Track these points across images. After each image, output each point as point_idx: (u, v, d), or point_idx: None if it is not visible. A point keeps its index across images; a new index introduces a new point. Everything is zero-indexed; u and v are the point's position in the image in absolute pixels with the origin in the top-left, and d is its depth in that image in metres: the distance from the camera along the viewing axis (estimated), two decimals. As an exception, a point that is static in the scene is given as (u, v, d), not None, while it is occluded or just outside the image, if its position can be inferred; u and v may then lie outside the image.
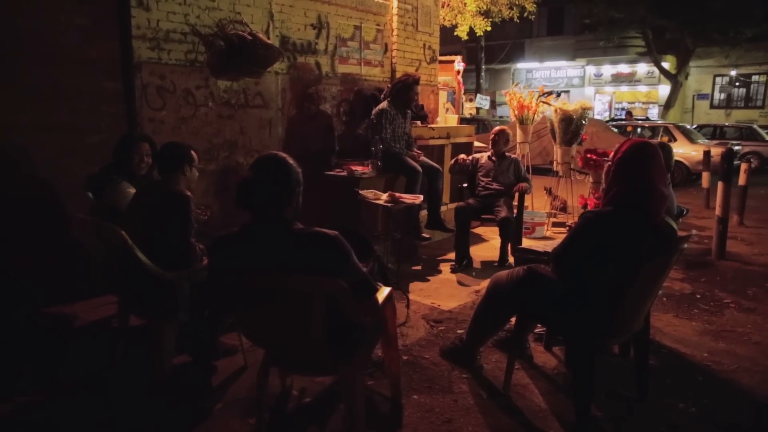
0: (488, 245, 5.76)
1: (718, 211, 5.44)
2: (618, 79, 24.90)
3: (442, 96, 7.42)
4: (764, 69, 21.50)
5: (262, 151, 2.43)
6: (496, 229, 5.06)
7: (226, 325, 3.04)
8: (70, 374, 2.92)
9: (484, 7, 11.98)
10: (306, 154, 4.84)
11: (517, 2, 12.23)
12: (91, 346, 3.26)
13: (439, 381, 2.90)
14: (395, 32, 6.29)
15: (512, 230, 4.87)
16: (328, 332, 2.05)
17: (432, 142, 5.89)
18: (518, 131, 6.81)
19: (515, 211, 5.13)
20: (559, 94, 7.09)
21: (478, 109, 15.01)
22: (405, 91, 5.02)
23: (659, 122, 14.49)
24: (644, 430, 2.53)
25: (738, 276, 4.85)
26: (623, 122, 15.11)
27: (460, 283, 4.58)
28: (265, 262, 1.97)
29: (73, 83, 3.88)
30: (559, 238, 2.64)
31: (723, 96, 23.06)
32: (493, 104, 22.58)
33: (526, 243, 5.18)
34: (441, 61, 7.30)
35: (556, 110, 6.41)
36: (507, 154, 5.32)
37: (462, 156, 5.40)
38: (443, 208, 5.41)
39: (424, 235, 5.02)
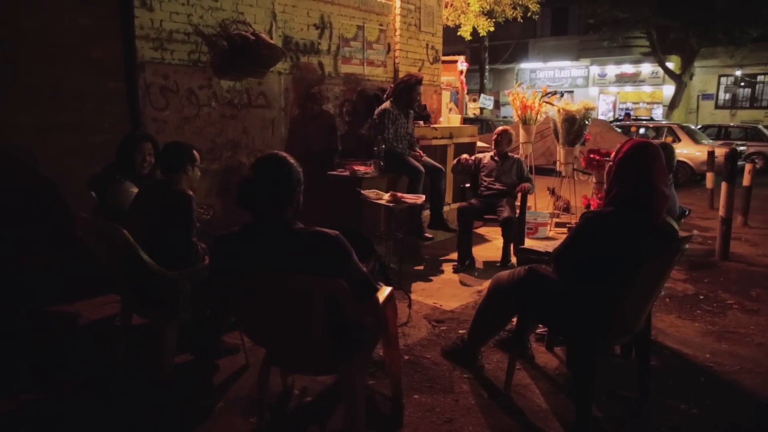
0: (491, 245, 5.76)
1: (721, 212, 5.42)
2: (622, 79, 24.85)
3: (445, 96, 7.42)
4: (770, 69, 21.44)
5: (265, 151, 2.43)
6: (498, 230, 5.06)
7: (227, 324, 3.05)
8: (72, 373, 2.93)
9: (488, 7, 11.98)
10: (309, 154, 4.85)
11: (520, 2, 12.22)
12: (94, 344, 3.27)
13: (441, 381, 2.90)
14: (398, 32, 6.29)
15: (515, 230, 4.87)
16: (328, 332, 2.05)
17: (435, 142, 5.89)
18: (521, 131, 6.80)
19: (518, 211, 5.12)
20: (562, 95, 7.06)
21: (481, 109, 15.01)
22: (407, 92, 5.02)
23: (663, 122, 14.46)
24: (645, 431, 2.53)
25: (741, 277, 4.83)
26: (627, 123, 15.07)
27: (462, 283, 4.57)
28: (265, 261, 1.98)
29: (76, 83, 3.89)
30: (562, 239, 2.64)
31: (728, 96, 22.98)
32: (497, 104, 22.58)
33: (528, 243, 5.17)
34: (444, 61, 7.30)
35: (559, 110, 6.40)
36: (510, 154, 5.32)
37: (465, 156, 5.40)
38: (446, 208, 5.41)
39: (426, 235, 5.02)
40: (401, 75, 6.00)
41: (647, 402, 2.71)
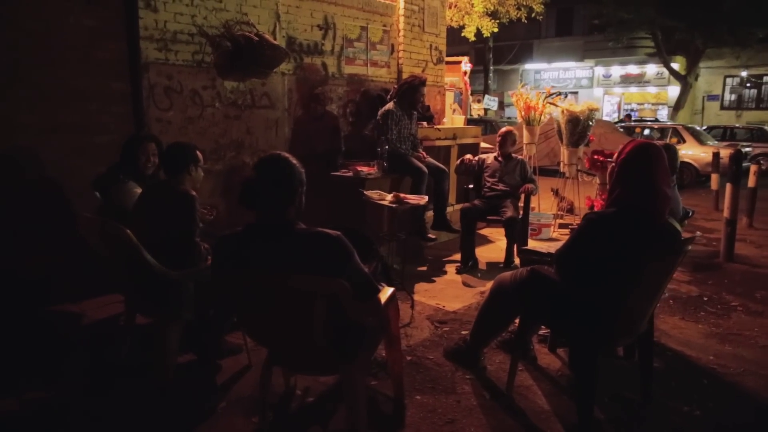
0: (494, 246, 5.75)
1: (726, 213, 5.40)
2: (627, 80, 24.78)
3: (449, 97, 7.42)
4: (776, 70, 21.33)
5: (269, 152, 2.44)
6: (502, 231, 5.05)
7: (230, 324, 3.06)
8: (76, 371, 2.94)
9: (492, 8, 11.97)
10: (312, 155, 4.86)
11: (524, 3, 12.21)
12: (98, 344, 3.29)
13: (443, 382, 2.90)
14: (402, 33, 6.29)
15: (518, 231, 4.86)
16: (330, 332, 2.06)
17: (438, 143, 5.89)
18: (525, 132, 6.79)
19: (521, 212, 5.12)
20: (566, 95, 7.05)
21: (486, 110, 14.99)
22: (411, 93, 5.02)
23: (668, 123, 14.41)
24: (648, 433, 2.53)
25: (746, 279, 4.81)
26: (631, 124, 15.03)
27: (465, 284, 4.57)
28: (267, 261, 1.98)
29: (81, 84, 3.92)
30: (565, 240, 2.64)
31: (734, 97, 22.87)
32: (501, 105, 22.55)
33: (531, 244, 5.16)
34: (448, 62, 7.31)
35: (562, 111, 6.39)
36: (514, 155, 5.31)
37: (468, 156, 5.39)
38: (449, 209, 5.41)
39: (429, 235, 5.02)
40: (405, 76, 6.01)
41: (650, 404, 2.71)
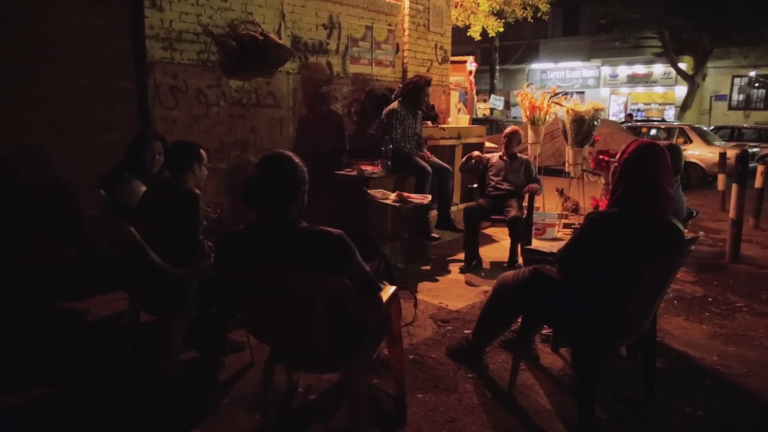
0: (498, 246, 5.75)
1: (732, 214, 5.37)
2: (634, 80, 24.67)
3: (454, 96, 7.41)
4: (784, 70, 21.18)
5: (273, 150, 2.47)
6: (506, 230, 5.05)
7: (233, 322, 3.07)
8: (80, 368, 2.96)
9: (497, 8, 11.94)
10: (316, 154, 4.88)
11: (530, 2, 12.18)
12: (102, 341, 3.31)
13: (445, 380, 2.90)
14: (407, 32, 6.30)
15: (522, 230, 4.86)
16: (332, 330, 2.07)
17: (443, 142, 5.89)
18: (530, 132, 6.78)
19: (525, 211, 5.11)
20: (570, 95, 7.03)
21: (492, 109, 14.96)
22: (416, 92, 5.02)
23: (675, 123, 14.33)
24: (650, 433, 2.52)
25: (752, 279, 4.79)
26: (636, 124, 14.96)
27: (468, 283, 4.57)
28: (269, 259, 2.00)
29: (87, 83, 3.94)
30: (568, 239, 2.63)
31: (741, 97, 22.72)
32: (507, 105, 22.49)
33: (535, 244, 5.16)
34: (453, 62, 7.30)
35: (567, 111, 6.38)
36: (519, 155, 5.31)
37: (477, 153, 5.37)
38: (453, 209, 5.41)
39: (433, 235, 5.02)
40: (410, 75, 6.01)
41: (652, 404, 2.70)
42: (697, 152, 11.29)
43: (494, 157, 5.34)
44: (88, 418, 2.53)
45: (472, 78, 8.29)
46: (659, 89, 24.24)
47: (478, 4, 11.74)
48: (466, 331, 3.43)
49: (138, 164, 3.41)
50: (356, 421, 2.25)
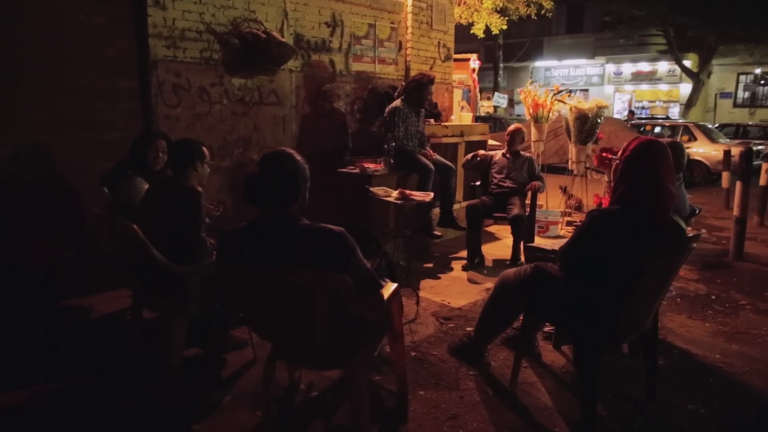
0: (501, 243, 5.74)
1: (735, 212, 5.35)
2: (638, 77, 24.56)
3: (457, 94, 7.40)
4: (790, 67, 21.04)
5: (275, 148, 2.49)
6: (509, 228, 5.04)
7: (236, 319, 3.09)
8: (83, 365, 2.98)
9: (501, 5, 11.91)
10: (319, 151, 4.88)
11: (534, 0, 12.14)
12: (106, 337, 3.33)
13: (446, 377, 2.91)
14: (410, 30, 6.29)
15: (524, 228, 4.85)
16: (333, 327, 2.07)
17: (445, 140, 5.89)
18: (533, 129, 6.77)
19: (528, 209, 5.11)
20: (572, 92, 7.01)
21: (495, 107, 14.94)
22: (419, 90, 5.02)
23: (680, 121, 14.27)
24: (651, 431, 2.52)
25: (755, 277, 4.77)
26: (641, 121, 14.90)
27: (470, 281, 4.57)
28: (270, 257, 2.00)
29: (90, 81, 3.96)
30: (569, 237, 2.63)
31: (747, 94, 22.60)
32: (511, 102, 22.45)
33: (538, 241, 5.15)
34: (456, 59, 7.29)
35: (571, 108, 6.36)
36: (522, 152, 5.30)
37: (481, 152, 5.36)
38: (456, 206, 5.41)
39: (435, 232, 5.02)
40: (413, 73, 6.01)
41: (654, 402, 2.70)
42: (701, 150, 11.24)
43: (497, 154, 5.33)
44: (91, 415, 2.54)
45: (475, 76, 8.28)
46: (664, 87, 24.13)
47: (482, 1, 11.71)
48: (468, 329, 3.43)
49: (141, 162, 3.43)
50: (358, 417, 2.26)
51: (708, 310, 3.97)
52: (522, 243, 4.85)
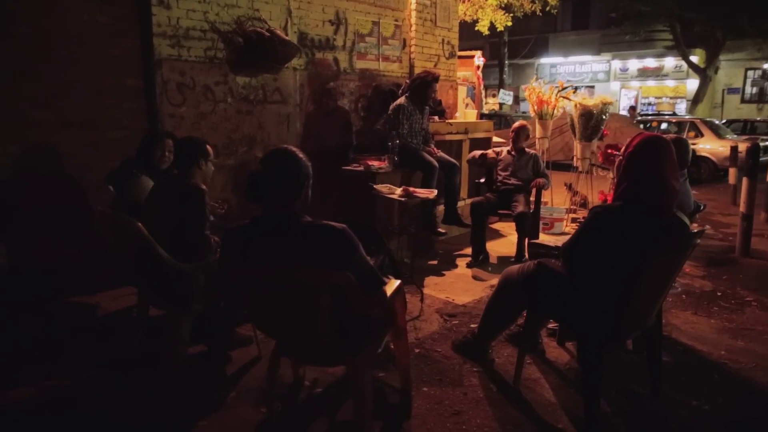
0: (506, 240, 5.74)
1: (742, 208, 5.33)
2: (644, 73, 24.41)
3: (462, 91, 7.39)
4: (799, 62, 20.85)
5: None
6: (513, 225, 5.04)
7: (240, 316, 3.10)
8: (90, 361, 3.01)
9: (505, 1, 11.88)
10: (323, 149, 4.90)
11: (539, -4, 12.11)
12: (112, 335, 3.36)
13: (450, 374, 2.91)
14: (413, 28, 6.29)
15: (529, 225, 4.85)
16: (336, 324, 2.08)
17: (450, 137, 5.88)
18: (537, 126, 6.75)
19: (532, 206, 5.10)
20: (576, 89, 6.98)
21: (501, 104, 14.91)
22: (423, 88, 5.01)
23: (686, 117, 14.18)
24: (655, 427, 2.51)
25: (762, 274, 4.74)
26: (649, 117, 14.82)
27: (475, 277, 4.58)
28: (273, 254, 2.01)
29: (95, 80, 3.99)
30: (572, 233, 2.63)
31: (755, 90, 22.40)
32: (517, 99, 22.37)
33: (543, 238, 5.14)
34: (461, 57, 7.28)
35: (575, 105, 6.34)
36: (527, 149, 5.29)
37: (490, 152, 5.36)
38: (461, 204, 5.41)
39: (439, 230, 5.02)
40: (417, 70, 6.01)
41: (658, 398, 2.69)
42: (708, 146, 11.18)
43: (503, 151, 5.33)
44: (97, 411, 2.57)
45: (479, 73, 8.27)
46: (670, 83, 23.97)
47: (486, -2, 11.69)
48: (472, 326, 3.43)
49: (147, 161, 3.45)
50: (361, 414, 2.27)
51: (713, 306, 3.95)
52: (526, 240, 4.85)
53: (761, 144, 8.48)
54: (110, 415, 2.54)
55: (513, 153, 5.25)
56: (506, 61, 21.46)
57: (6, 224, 3.58)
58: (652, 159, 2.32)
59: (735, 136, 12.25)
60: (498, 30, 13.24)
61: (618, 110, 21.32)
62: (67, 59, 3.84)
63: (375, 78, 5.99)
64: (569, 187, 7.07)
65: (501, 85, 20.56)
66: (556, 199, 7.00)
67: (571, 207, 6.85)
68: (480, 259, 4.89)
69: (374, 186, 4.23)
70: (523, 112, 19.18)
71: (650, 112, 21.15)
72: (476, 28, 12.58)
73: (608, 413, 2.58)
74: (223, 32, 4.57)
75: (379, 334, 2.41)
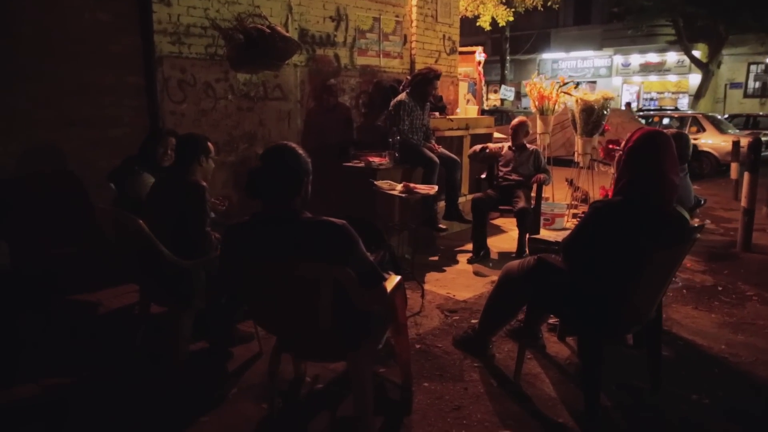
0: (507, 236, 5.74)
1: (743, 203, 5.32)
2: (647, 68, 24.32)
3: (463, 87, 7.38)
4: (802, 56, 20.75)
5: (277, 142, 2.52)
6: (514, 221, 5.04)
7: (242, 313, 3.11)
8: (92, 358, 3.02)
9: (507, -4, 11.85)
10: (324, 146, 4.90)
11: (540, -9, 12.07)
12: (114, 331, 3.37)
13: (451, 369, 2.92)
14: (414, 24, 6.28)
15: (530, 221, 4.85)
16: (336, 320, 2.09)
17: (450, 133, 5.88)
18: (538, 122, 6.74)
19: (533, 202, 5.10)
20: (578, 84, 6.96)
21: (502, 100, 14.89)
22: (424, 85, 5.01)
23: (688, 112, 14.15)
24: (655, 421, 2.52)
25: (763, 268, 4.74)
26: (650, 112, 14.78)
27: (476, 273, 4.58)
28: (273, 250, 2.02)
29: (96, 78, 3.99)
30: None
31: (758, 85, 22.31)
32: (518, 95, 22.32)
33: (544, 234, 5.15)
34: (462, 52, 7.26)
35: (576, 101, 6.33)
36: (528, 145, 5.29)
37: (491, 146, 5.34)
38: (462, 199, 5.41)
39: (440, 226, 5.02)
40: (418, 67, 6.01)
41: (658, 392, 2.70)
42: (710, 141, 11.16)
43: (504, 147, 5.32)
44: (99, 408, 2.58)
45: (480, 68, 8.25)
46: (673, 78, 23.88)
47: (487, -7, 11.66)
48: (472, 321, 3.44)
49: (149, 158, 3.46)
50: (362, 409, 2.28)
51: (714, 301, 3.96)
52: (527, 235, 4.85)
53: (763, 139, 8.46)
54: (112, 412, 2.55)
55: (513, 149, 5.24)
56: (508, 57, 21.41)
57: (7, 222, 3.60)
58: (652, 154, 2.32)
59: (737, 131, 12.22)
60: (499, 25, 13.23)
61: (620, 105, 21.24)
62: (68, 57, 3.85)
63: (376, 74, 5.98)
64: (570, 182, 7.07)
65: (502, 80, 20.51)
66: (557, 194, 7.00)
67: (572, 202, 6.85)
68: (481, 255, 4.89)
69: (375, 182, 4.24)
70: (525, 108, 19.14)
71: (652, 107, 21.09)
72: (477, 24, 12.56)
73: (608, 407, 2.59)
74: (224, 29, 4.56)
75: (379, 329, 2.42)
